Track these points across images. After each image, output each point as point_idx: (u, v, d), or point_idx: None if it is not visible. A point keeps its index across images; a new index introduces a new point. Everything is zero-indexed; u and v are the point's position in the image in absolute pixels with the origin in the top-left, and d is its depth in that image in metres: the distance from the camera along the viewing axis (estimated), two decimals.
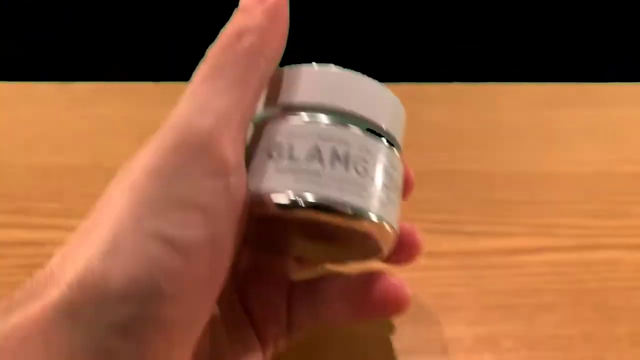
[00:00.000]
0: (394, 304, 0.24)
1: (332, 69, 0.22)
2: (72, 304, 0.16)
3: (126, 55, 0.74)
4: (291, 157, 0.20)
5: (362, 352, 0.28)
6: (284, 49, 0.22)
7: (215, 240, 0.19)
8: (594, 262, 0.31)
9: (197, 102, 0.20)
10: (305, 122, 0.21)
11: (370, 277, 0.24)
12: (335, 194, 0.20)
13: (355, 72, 0.22)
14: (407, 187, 0.26)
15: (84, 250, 0.17)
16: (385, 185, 0.21)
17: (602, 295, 0.30)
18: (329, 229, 0.21)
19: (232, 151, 0.19)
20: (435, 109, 0.42)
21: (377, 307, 0.24)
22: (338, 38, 0.74)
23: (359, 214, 0.20)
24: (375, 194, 0.21)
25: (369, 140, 0.21)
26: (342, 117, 0.21)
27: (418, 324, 0.29)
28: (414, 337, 0.28)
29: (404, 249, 0.25)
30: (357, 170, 0.20)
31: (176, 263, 0.17)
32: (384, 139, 0.22)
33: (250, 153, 0.21)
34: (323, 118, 0.21)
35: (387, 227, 0.21)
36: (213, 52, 0.21)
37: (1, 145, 0.39)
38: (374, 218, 0.21)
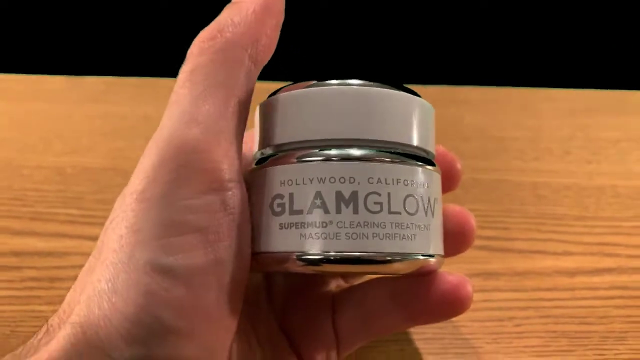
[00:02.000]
0: (454, 305, 0.21)
1: (338, 87, 0.19)
2: (77, 352, 0.15)
3: (137, 48, 0.71)
4: (325, 208, 0.18)
5: None
6: (274, 47, 0.19)
7: (220, 263, 0.17)
8: None
9: (179, 110, 0.17)
10: (329, 161, 0.18)
11: (424, 276, 0.21)
12: (377, 245, 0.18)
13: (361, 83, 0.19)
14: (453, 178, 0.24)
15: (87, 291, 0.16)
16: (426, 212, 0.19)
17: None
18: None
19: (225, 163, 0.18)
20: (475, 114, 0.40)
21: (435, 309, 0.21)
22: (359, 35, 0.71)
23: (404, 259, 0.18)
24: (419, 228, 0.18)
25: (404, 169, 0.18)
26: (369, 147, 0.18)
27: (474, 350, 0.26)
28: None
29: (456, 239, 0.23)
30: (397, 211, 0.18)
31: (178, 293, 0.16)
32: (419, 161, 0.19)
33: (259, 202, 0.19)
34: (346, 153, 0.18)
35: (433, 261, 0.19)
36: (191, 51, 0.18)
37: (11, 142, 0.36)
38: (420, 257, 0.19)
